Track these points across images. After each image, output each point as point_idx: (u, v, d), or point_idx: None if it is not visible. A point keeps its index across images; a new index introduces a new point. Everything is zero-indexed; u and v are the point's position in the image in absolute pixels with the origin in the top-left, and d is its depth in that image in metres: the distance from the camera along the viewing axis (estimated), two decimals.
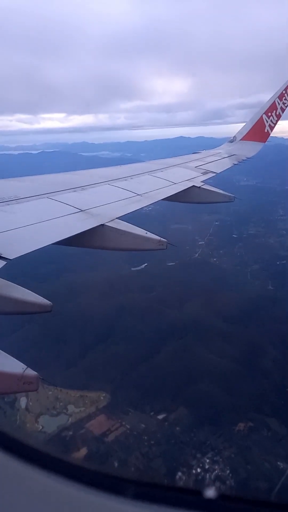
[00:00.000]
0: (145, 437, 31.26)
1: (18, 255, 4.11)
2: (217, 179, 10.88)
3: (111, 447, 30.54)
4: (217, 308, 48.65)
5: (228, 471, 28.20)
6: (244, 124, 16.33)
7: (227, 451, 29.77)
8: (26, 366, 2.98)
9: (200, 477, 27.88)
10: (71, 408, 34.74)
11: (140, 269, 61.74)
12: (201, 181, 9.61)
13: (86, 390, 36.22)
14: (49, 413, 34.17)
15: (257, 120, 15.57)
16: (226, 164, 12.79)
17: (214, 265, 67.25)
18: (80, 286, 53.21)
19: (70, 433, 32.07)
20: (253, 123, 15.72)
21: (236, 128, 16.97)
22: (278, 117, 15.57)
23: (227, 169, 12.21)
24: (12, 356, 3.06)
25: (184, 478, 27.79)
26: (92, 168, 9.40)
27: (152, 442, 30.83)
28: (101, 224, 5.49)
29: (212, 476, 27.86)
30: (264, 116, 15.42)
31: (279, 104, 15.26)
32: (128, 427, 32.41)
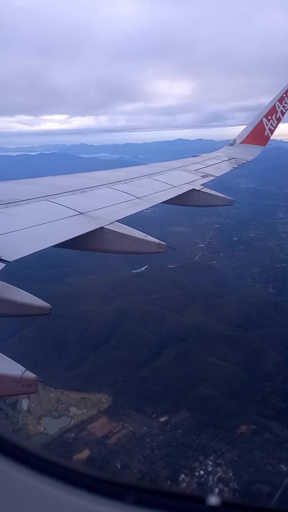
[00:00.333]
0: (147, 440, 31.15)
1: (18, 258, 4.13)
2: (217, 182, 10.89)
3: (113, 449, 30.42)
4: (218, 311, 48.56)
5: (231, 474, 28.06)
6: (244, 127, 16.33)
7: (230, 454, 29.62)
8: (24, 369, 2.98)
9: (203, 479, 27.75)
10: (73, 410, 34.60)
11: (141, 272, 61.71)
12: (201, 185, 9.62)
13: (88, 392, 36.10)
14: (51, 415, 34.03)
15: (257, 124, 15.55)
16: (226, 167, 12.80)
17: (214, 268, 67.27)
18: (80, 289, 53.16)
19: (72, 435, 31.95)
20: (253, 127, 15.71)
21: (235, 130, 17.03)
22: (278, 120, 15.55)
23: (226, 172, 12.22)
24: (12, 358, 3.07)
25: (187, 480, 27.66)
26: (90, 170, 9.43)
27: (154, 444, 30.71)
28: (101, 227, 5.49)
29: (215, 479, 27.73)
30: (264, 120, 15.41)
31: (279, 107, 15.26)
32: (130, 429, 32.26)
